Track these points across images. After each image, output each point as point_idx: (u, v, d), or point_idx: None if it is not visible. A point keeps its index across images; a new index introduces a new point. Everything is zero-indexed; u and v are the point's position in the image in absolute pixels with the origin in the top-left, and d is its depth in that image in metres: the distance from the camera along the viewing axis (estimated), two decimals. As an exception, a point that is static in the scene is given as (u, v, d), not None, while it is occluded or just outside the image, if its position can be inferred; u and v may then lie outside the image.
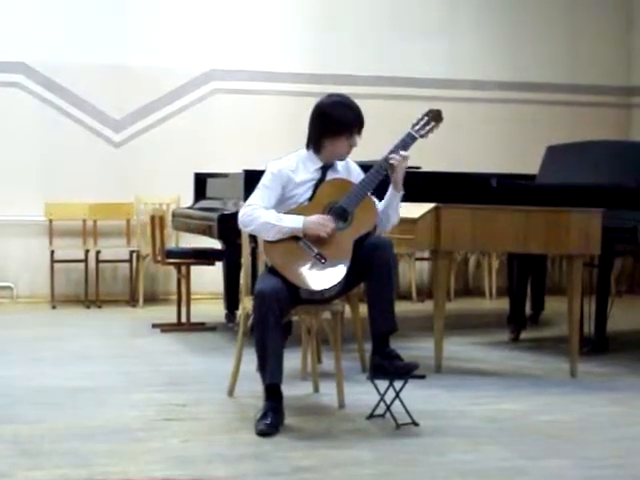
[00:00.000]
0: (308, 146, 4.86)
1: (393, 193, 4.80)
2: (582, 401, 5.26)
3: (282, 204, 4.76)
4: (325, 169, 4.83)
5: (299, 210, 4.71)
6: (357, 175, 4.88)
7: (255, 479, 3.76)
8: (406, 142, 4.77)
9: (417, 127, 4.82)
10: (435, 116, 4.86)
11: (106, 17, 9.68)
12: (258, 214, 4.66)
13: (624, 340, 7.35)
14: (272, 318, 4.46)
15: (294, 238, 4.64)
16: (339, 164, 4.88)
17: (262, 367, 4.54)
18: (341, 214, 4.68)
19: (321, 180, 4.80)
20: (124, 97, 9.74)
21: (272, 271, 4.64)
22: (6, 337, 7.36)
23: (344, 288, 4.75)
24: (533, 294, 8.07)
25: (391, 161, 4.71)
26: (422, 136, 4.82)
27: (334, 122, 4.76)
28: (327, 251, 4.62)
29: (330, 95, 4.89)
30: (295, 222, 4.64)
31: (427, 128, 4.84)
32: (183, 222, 8.34)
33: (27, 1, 9.48)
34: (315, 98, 4.97)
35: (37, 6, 9.50)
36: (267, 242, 4.68)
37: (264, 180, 4.80)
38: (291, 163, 4.82)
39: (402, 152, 4.72)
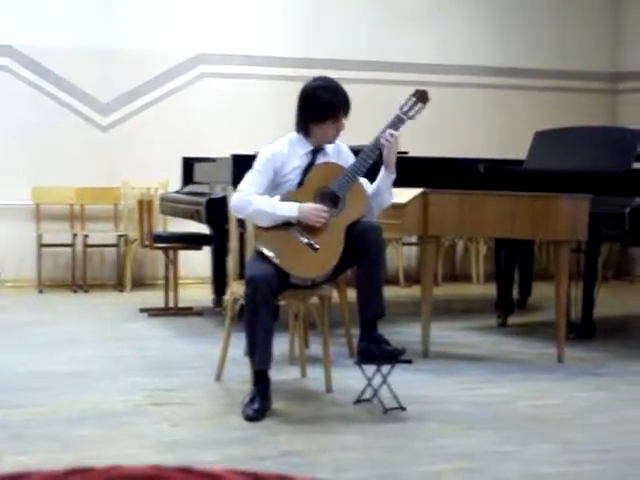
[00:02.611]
0: (297, 130, 4.86)
1: (386, 174, 4.79)
2: (569, 386, 5.29)
3: (274, 189, 4.75)
4: (315, 153, 4.83)
5: (290, 196, 4.70)
6: (347, 157, 4.88)
7: (243, 463, 3.77)
8: (394, 124, 4.76)
9: (405, 109, 4.81)
10: (421, 96, 4.85)
11: (94, 0, 9.63)
12: (251, 200, 4.65)
13: (611, 325, 7.37)
14: (263, 304, 4.46)
15: (285, 224, 4.63)
16: (329, 147, 4.87)
17: (251, 352, 4.54)
18: (332, 199, 4.68)
19: (311, 164, 4.79)
20: (112, 80, 9.70)
21: (261, 256, 4.64)
22: (-7, 321, 7.35)
23: (333, 273, 4.76)
24: (520, 279, 8.09)
25: (382, 140, 4.70)
26: (410, 117, 4.81)
27: (319, 107, 4.75)
28: (319, 237, 4.62)
29: (315, 79, 4.87)
30: (290, 210, 4.62)
31: (415, 109, 4.82)
32: (171, 206, 8.33)
33: (14, -16, 9.44)
34: (304, 82, 4.95)
35: (24, -11, 9.46)
36: (258, 228, 4.68)
37: (257, 165, 4.79)
38: (283, 147, 4.81)
39: (392, 131, 4.71)
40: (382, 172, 4.80)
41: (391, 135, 4.70)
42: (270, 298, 4.51)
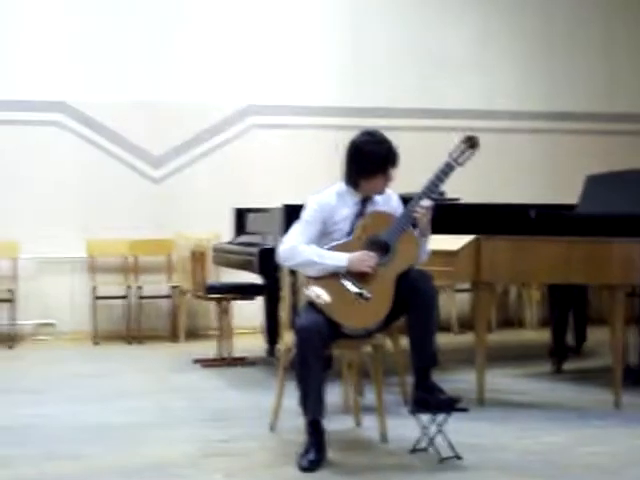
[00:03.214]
0: (347, 182, 4.86)
1: (420, 238, 4.79)
2: (626, 433, 5.21)
3: (322, 238, 4.76)
4: (364, 202, 4.84)
5: (340, 246, 4.70)
6: (397, 206, 4.89)
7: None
8: (445, 172, 4.75)
9: (455, 155, 4.80)
10: (472, 143, 4.84)
11: (144, 54, 9.79)
12: (300, 250, 4.67)
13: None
14: (313, 353, 4.46)
15: (336, 274, 4.63)
16: (378, 196, 4.88)
17: (304, 402, 4.54)
18: (383, 248, 4.68)
19: (360, 213, 4.80)
20: (163, 133, 9.83)
21: (313, 305, 4.64)
22: (49, 374, 7.40)
23: (385, 322, 4.75)
24: (575, 325, 8.00)
25: (414, 214, 4.70)
26: (460, 164, 4.80)
27: (368, 162, 4.75)
28: (370, 286, 4.61)
29: (362, 133, 4.87)
30: (338, 260, 4.63)
31: (465, 155, 4.82)
32: (224, 257, 8.37)
33: (65, 40, 9.61)
34: (352, 131, 4.97)
35: (75, 44, 9.63)
36: (308, 279, 4.69)
37: (305, 215, 4.81)
38: (331, 198, 4.82)
39: (424, 203, 4.70)
40: (417, 234, 4.79)
41: (422, 207, 4.69)
42: (320, 348, 4.51)
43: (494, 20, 10.83)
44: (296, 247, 4.69)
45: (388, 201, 4.89)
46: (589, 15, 11.11)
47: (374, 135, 4.84)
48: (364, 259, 4.62)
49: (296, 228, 4.79)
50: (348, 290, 4.60)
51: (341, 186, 4.87)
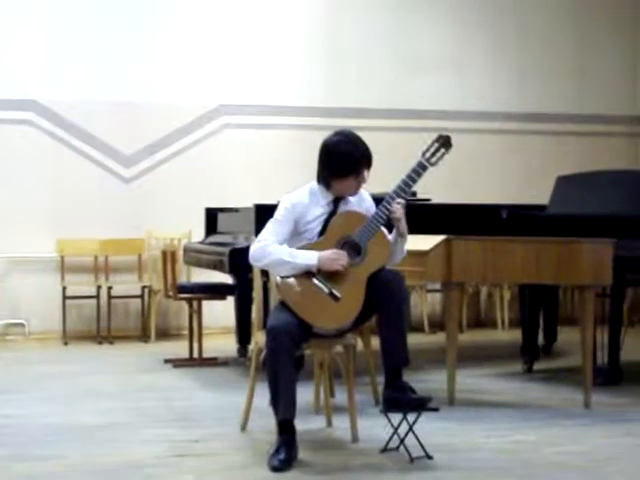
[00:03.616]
0: (319, 182, 4.85)
1: (397, 239, 4.79)
2: (596, 432, 5.24)
3: (294, 238, 4.75)
4: (337, 201, 4.82)
5: (312, 246, 4.69)
6: (369, 205, 4.88)
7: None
8: (417, 171, 4.75)
9: (427, 155, 4.79)
10: (444, 142, 4.84)
11: (115, 55, 9.76)
12: (271, 249, 4.65)
13: (638, 370, 7.31)
14: (284, 353, 4.45)
15: (307, 274, 4.63)
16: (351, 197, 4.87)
17: (275, 402, 4.53)
18: (354, 248, 4.67)
19: (332, 213, 4.80)
20: (134, 133, 9.80)
21: (284, 305, 4.64)
22: (18, 374, 7.36)
23: (356, 322, 4.75)
24: (545, 325, 8.05)
25: (390, 215, 4.68)
26: (432, 164, 4.80)
27: (341, 163, 4.72)
28: (341, 286, 4.61)
29: (335, 133, 4.83)
30: (309, 259, 4.62)
31: (437, 155, 4.81)
32: (194, 257, 8.36)
33: (37, 39, 9.56)
34: (325, 131, 4.96)
35: (47, 44, 9.58)
36: (281, 280, 4.67)
37: (277, 214, 4.79)
38: (304, 197, 4.80)
39: (398, 200, 4.69)
40: (394, 235, 4.79)
41: (397, 207, 4.68)
42: (291, 348, 4.49)
43: (467, 21, 10.86)
44: (267, 246, 4.67)
45: (361, 201, 4.88)
46: (561, 17, 11.17)
47: (347, 135, 4.81)
48: (335, 258, 4.61)
49: (268, 227, 4.77)
50: (319, 289, 4.60)
51: (314, 185, 4.86)
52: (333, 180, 4.77)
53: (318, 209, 4.79)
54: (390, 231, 4.81)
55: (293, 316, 4.55)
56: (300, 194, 4.83)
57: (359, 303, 4.62)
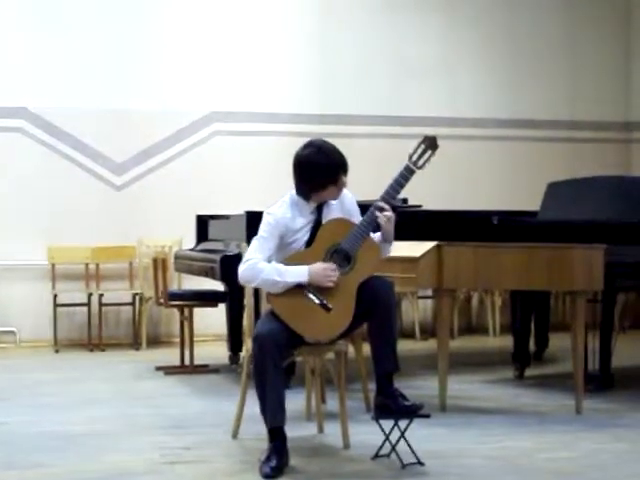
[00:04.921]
0: (298, 194, 4.78)
1: (382, 243, 4.76)
2: (588, 438, 5.24)
3: (281, 250, 4.71)
4: (319, 208, 4.77)
5: (300, 257, 4.64)
6: (350, 204, 4.84)
7: (261, 522, 3.74)
8: (405, 176, 4.69)
9: (414, 157, 4.74)
10: (430, 143, 4.77)
11: (106, 62, 9.76)
12: (260, 268, 4.58)
13: (629, 376, 7.32)
14: (271, 362, 4.44)
15: (298, 285, 4.58)
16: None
17: (263, 410, 4.52)
18: (343, 257, 4.64)
19: (318, 221, 4.75)
20: (125, 141, 9.79)
21: (272, 314, 4.62)
22: (9, 382, 7.34)
23: (347, 329, 4.74)
24: (537, 331, 8.06)
25: (377, 221, 4.65)
26: (420, 167, 4.74)
27: (317, 176, 4.67)
28: (332, 297, 4.58)
29: (305, 146, 4.77)
30: (299, 275, 4.56)
31: (424, 157, 4.74)
32: (185, 264, 8.35)
33: (27, 47, 9.56)
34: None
35: (38, 52, 9.58)
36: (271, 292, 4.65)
37: (261, 231, 4.71)
38: (286, 210, 4.73)
39: (386, 213, 4.64)
40: (379, 238, 4.76)
41: (385, 213, 4.63)
42: (277, 356, 4.48)
43: (459, 28, 10.88)
44: (255, 265, 4.60)
45: (342, 202, 4.82)
46: (552, 24, 11.19)
47: (317, 146, 4.74)
48: (326, 274, 4.57)
49: (254, 245, 4.70)
50: (311, 301, 4.58)
51: (294, 195, 4.79)
52: (312, 193, 4.72)
53: (302, 219, 4.74)
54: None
55: (280, 324, 4.53)
56: (282, 208, 4.75)
57: (350, 313, 4.59)
